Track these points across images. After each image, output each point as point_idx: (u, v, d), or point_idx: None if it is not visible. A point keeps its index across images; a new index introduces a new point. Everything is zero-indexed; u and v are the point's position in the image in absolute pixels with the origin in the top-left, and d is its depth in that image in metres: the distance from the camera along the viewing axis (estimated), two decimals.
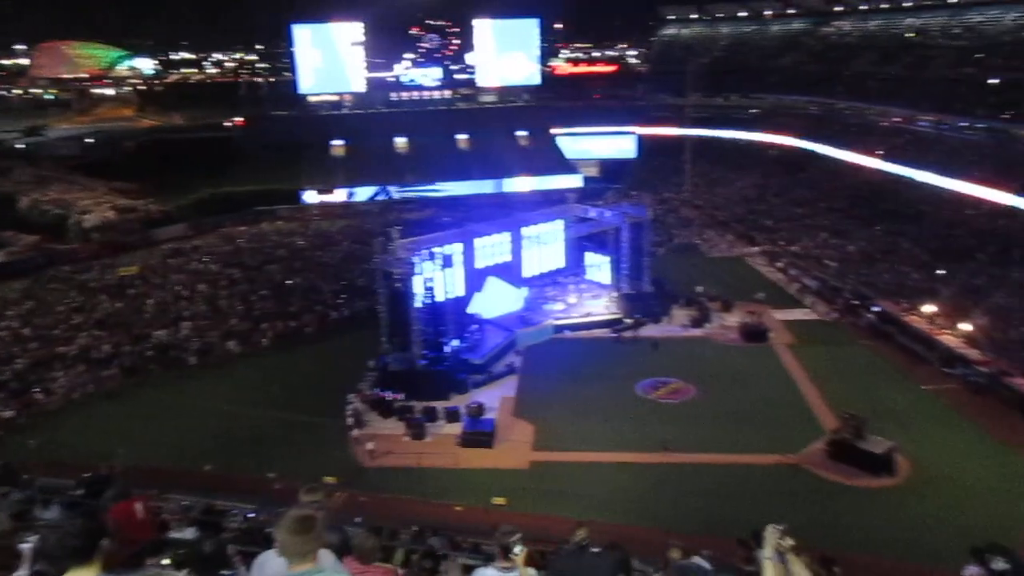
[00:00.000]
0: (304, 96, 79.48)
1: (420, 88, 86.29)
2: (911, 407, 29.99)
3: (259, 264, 50.52)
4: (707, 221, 60.89)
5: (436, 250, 34.16)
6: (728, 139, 71.38)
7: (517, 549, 5.34)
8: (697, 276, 45.11)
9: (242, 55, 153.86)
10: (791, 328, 38.76)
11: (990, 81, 49.10)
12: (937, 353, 34.43)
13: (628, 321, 38.94)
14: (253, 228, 61.50)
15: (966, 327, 35.33)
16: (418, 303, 32.76)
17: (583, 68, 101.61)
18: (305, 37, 78.39)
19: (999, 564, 4.24)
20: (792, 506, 23.09)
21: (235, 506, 16.67)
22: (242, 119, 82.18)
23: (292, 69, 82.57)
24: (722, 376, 33.10)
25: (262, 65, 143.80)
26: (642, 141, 76.88)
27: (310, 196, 67.28)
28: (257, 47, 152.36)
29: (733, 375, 33.28)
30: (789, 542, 5.40)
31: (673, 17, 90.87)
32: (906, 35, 62.74)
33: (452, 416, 30.06)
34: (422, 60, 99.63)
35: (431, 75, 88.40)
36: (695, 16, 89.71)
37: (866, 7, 68.17)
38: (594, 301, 40.90)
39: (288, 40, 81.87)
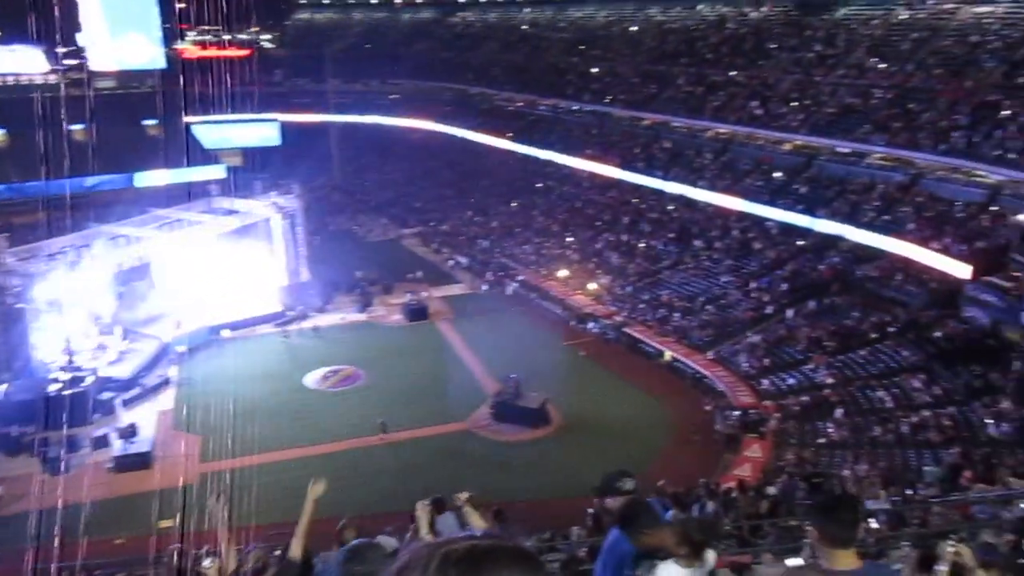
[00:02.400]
0: None
1: (16, 74, 74.23)
2: (557, 362, 33.55)
3: None
4: (359, 207, 61.51)
5: (66, 257, 30.02)
6: (372, 125, 72.50)
7: (207, 563, 4.99)
8: (356, 262, 45.46)
9: None
10: (449, 303, 41.00)
11: (592, 70, 56.14)
12: (572, 312, 38.95)
13: (291, 313, 38.01)
14: None
15: (593, 287, 40.45)
16: (39, 319, 28.57)
17: (214, 51, 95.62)
18: None
19: (627, 484, 5.05)
20: (469, 468, 24.60)
21: None
22: None
23: None
24: (390, 357, 33.95)
25: None
26: (285, 128, 74.79)
27: None
28: None
29: (400, 354, 34.32)
30: (464, 495, 6.04)
31: (305, 2, 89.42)
32: (522, 27, 68.95)
33: (100, 442, 26.85)
34: (12, 40, 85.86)
35: (28, 58, 76.56)
36: (327, 1, 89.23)
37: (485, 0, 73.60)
38: (252, 295, 39.15)
39: None
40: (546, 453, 26.42)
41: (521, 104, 61.86)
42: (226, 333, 36.22)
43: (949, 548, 4.10)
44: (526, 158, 56.92)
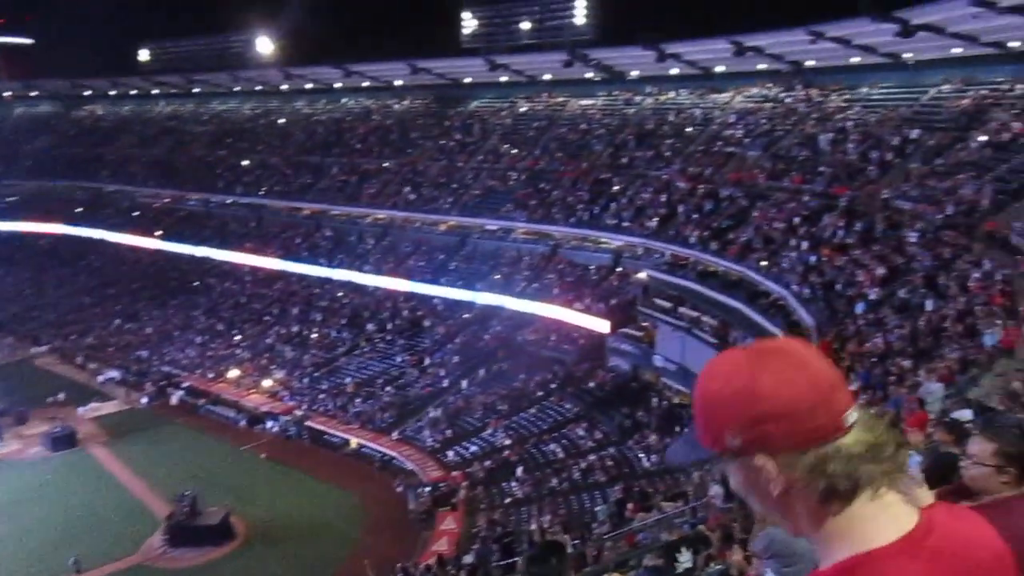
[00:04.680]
0: None
1: None
2: (236, 470, 31.26)
3: None
4: None
5: None
6: None
7: None
8: None
9: None
10: (103, 424, 36.26)
11: (242, 162, 54.85)
12: (248, 413, 36.76)
13: None
14: None
15: (268, 382, 38.67)
16: None
17: None
18: None
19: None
20: None
21: None
22: None
23: None
24: (33, 498, 28.91)
25: None
26: None
27: None
28: None
29: (45, 492, 29.41)
30: None
31: None
32: (162, 120, 65.30)
33: None
34: None
35: None
36: None
37: (115, 92, 68.52)
38: None
39: None
40: (236, 571, 24.24)
41: (168, 200, 58.20)
42: None
43: None
44: (180, 256, 53.38)
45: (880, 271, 22.45)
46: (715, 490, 18.30)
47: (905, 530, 1.12)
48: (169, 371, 42.19)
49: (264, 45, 56.02)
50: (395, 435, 33.65)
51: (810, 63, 34.67)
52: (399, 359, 39.12)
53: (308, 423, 35.27)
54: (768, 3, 35.56)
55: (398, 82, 51.21)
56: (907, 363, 16.79)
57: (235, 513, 26.76)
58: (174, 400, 39.08)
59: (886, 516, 1.13)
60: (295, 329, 43.91)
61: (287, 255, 47.73)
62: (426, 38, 47.66)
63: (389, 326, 41.88)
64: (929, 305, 19.39)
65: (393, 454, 32.30)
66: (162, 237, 54.88)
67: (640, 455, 27.47)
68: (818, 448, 1.14)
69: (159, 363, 43.32)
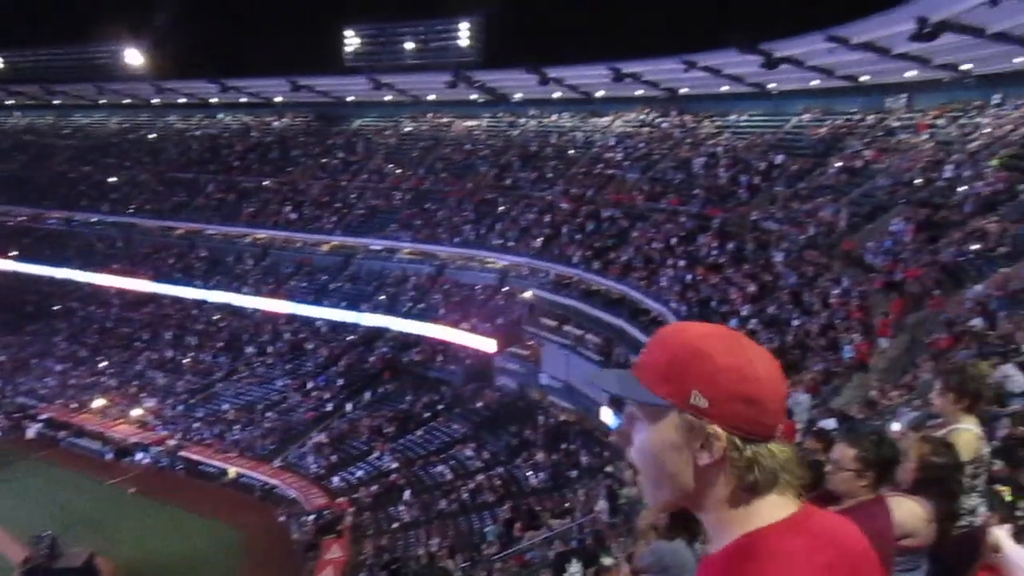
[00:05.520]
0: None
1: None
2: (101, 506, 29.29)
3: None
4: None
5: None
6: None
7: None
8: None
9: None
10: None
11: (109, 179, 51.90)
12: (114, 445, 34.57)
13: None
14: None
15: (138, 411, 36.54)
16: None
17: None
18: None
19: None
20: None
21: None
22: None
23: None
24: None
25: None
26: None
27: None
28: None
29: None
30: None
31: None
32: (17, 133, 61.04)
33: None
34: None
35: None
36: None
37: None
38: None
39: None
40: None
41: (24, 218, 54.31)
42: None
43: None
44: (38, 278, 49.84)
45: (751, 288, 23.65)
46: (601, 505, 18.65)
47: (789, 514, 1.23)
48: (24, 402, 39.19)
49: (133, 57, 53.37)
50: (277, 462, 32.49)
51: (684, 90, 36.27)
52: (280, 383, 37.87)
53: (182, 453, 33.54)
54: (645, 32, 36.98)
55: (278, 99, 49.95)
56: None
57: (101, 554, 24.99)
58: (31, 433, 36.28)
59: (776, 507, 1.23)
60: (168, 354, 41.77)
61: (159, 277, 45.41)
62: (308, 55, 46.74)
63: (269, 349, 40.49)
64: (795, 320, 20.57)
65: (275, 482, 31.14)
66: (18, 258, 51.15)
67: (528, 473, 27.64)
68: (756, 444, 1.22)
69: (13, 394, 40.18)
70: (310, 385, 37.08)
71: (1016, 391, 8.35)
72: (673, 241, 29.56)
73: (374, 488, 29.52)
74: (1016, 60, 22.75)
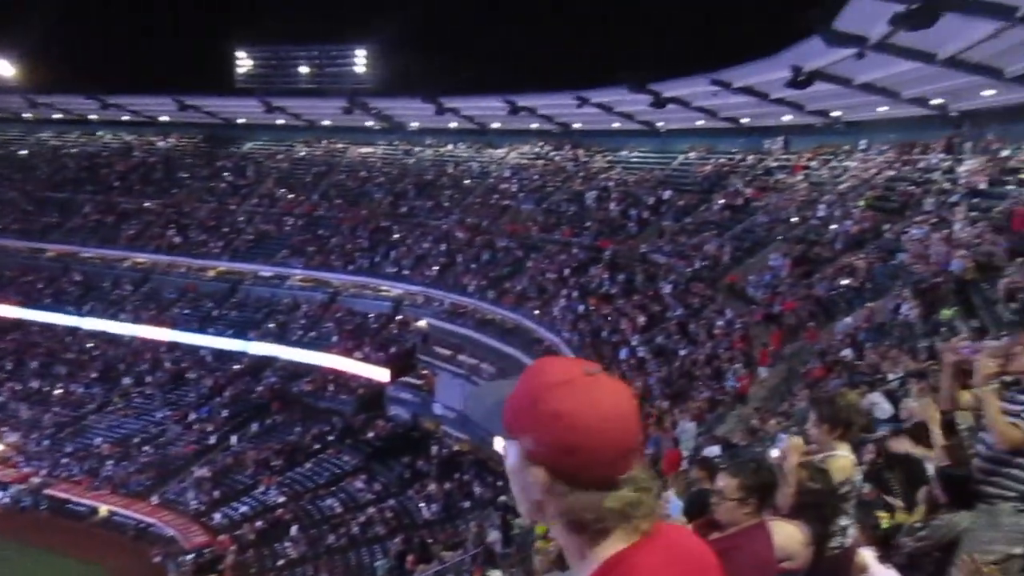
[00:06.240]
0: None
1: None
2: None
3: None
4: None
5: None
6: None
7: None
8: None
9: None
10: None
11: None
12: None
13: None
14: None
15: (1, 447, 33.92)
16: None
17: None
18: None
19: None
20: None
21: None
22: None
23: None
24: None
25: None
26: None
27: None
28: None
29: None
30: None
31: None
32: None
33: None
34: None
35: None
36: None
37: None
38: None
39: None
40: None
41: None
42: None
43: None
44: None
45: (640, 319, 24.33)
46: (494, 535, 18.59)
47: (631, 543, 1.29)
48: None
49: (3, 67, 50.16)
50: (154, 499, 30.75)
51: (577, 125, 37.26)
52: (159, 415, 35.96)
53: (47, 491, 31.24)
54: (541, 67, 37.91)
55: (163, 118, 48.03)
56: (665, 404, 18.23)
57: None
58: None
59: (617, 541, 1.29)
60: (34, 385, 38.93)
61: (27, 302, 42.46)
62: (197, 74, 45.31)
63: (148, 379, 38.41)
64: (682, 350, 21.29)
65: (151, 520, 29.43)
66: None
67: (420, 505, 27.23)
68: (583, 491, 1.26)
69: None
70: (192, 417, 35.38)
71: (883, 418, 8.90)
72: (566, 272, 30.11)
73: (259, 524, 28.34)
74: (880, 109, 24.60)
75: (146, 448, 33.80)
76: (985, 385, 3.96)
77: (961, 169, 20.23)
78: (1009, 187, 17.51)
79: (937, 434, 4.48)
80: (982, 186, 18.44)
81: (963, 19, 13.24)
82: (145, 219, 43.85)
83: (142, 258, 43.12)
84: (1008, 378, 4.07)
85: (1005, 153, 19.57)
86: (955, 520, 3.98)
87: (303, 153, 45.85)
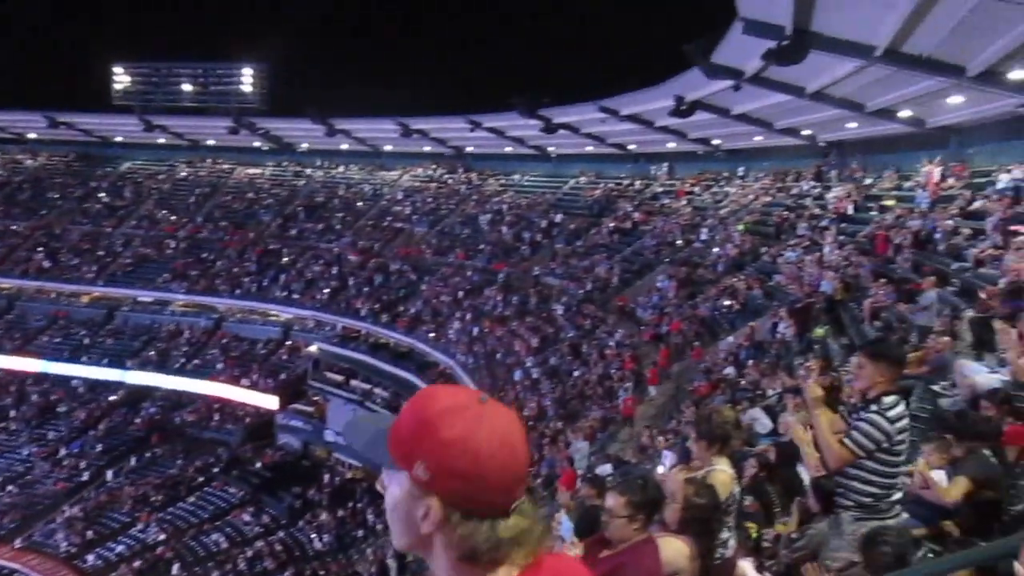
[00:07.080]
0: None
1: None
2: None
3: None
4: None
5: None
6: None
7: None
8: None
9: None
10: None
11: None
12: None
13: None
14: None
15: None
16: None
17: None
18: None
19: None
20: None
21: None
22: None
23: None
24: None
25: None
26: None
27: None
28: None
29: None
30: None
31: None
32: None
33: None
34: None
35: None
36: None
37: None
38: None
39: None
40: None
41: None
42: None
43: None
44: None
45: (534, 341, 24.59)
46: (390, 564, 18.25)
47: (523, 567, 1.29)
48: None
49: None
50: (18, 543, 28.52)
51: (470, 149, 37.53)
52: (25, 452, 33.45)
53: None
54: (433, 90, 38.07)
55: (32, 135, 45.17)
56: (559, 424, 18.44)
57: None
58: None
59: (514, 564, 1.28)
60: None
61: None
62: (70, 90, 42.91)
63: (13, 413, 35.65)
64: (575, 371, 21.64)
65: (15, 566, 27.24)
66: None
67: (312, 536, 26.41)
68: (479, 519, 1.25)
69: None
70: (63, 452, 33.08)
71: (762, 432, 9.32)
72: (460, 294, 30.14)
73: (137, 564, 26.71)
74: (756, 138, 25.98)
75: (10, 488, 31.35)
76: (816, 408, 4.13)
77: (830, 196, 21.59)
78: (872, 213, 18.80)
79: (809, 452, 4.70)
80: (849, 211, 19.74)
81: (829, 56, 14.17)
82: (10, 242, 40.96)
83: (6, 283, 40.17)
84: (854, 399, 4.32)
85: (868, 181, 21.06)
86: (822, 528, 4.21)
87: (185, 173, 44.13)
